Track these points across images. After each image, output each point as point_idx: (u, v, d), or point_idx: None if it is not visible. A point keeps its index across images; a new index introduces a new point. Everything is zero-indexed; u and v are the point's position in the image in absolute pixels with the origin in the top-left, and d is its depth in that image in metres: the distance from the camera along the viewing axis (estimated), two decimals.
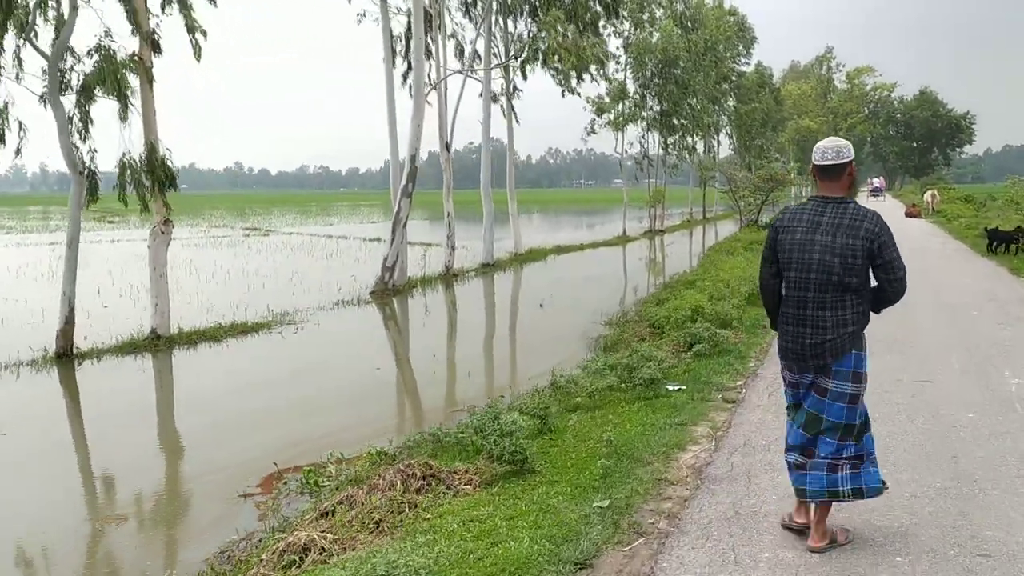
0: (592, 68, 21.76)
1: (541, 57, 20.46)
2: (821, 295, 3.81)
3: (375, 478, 5.62)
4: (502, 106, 25.60)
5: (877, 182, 64.38)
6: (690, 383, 7.68)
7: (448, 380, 10.59)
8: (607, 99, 34.95)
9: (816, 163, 3.90)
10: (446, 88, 21.79)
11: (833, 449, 3.90)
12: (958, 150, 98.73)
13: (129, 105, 12.19)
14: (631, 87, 35.73)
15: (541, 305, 16.42)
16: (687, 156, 42.14)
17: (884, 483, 4.02)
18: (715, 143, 52.64)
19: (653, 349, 8.55)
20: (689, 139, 41.94)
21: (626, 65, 35.46)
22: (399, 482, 5.43)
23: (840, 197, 3.86)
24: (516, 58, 23.26)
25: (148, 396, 10.17)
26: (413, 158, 18.00)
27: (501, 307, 17.97)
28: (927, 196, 40.73)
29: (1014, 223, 23.52)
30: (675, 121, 37.49)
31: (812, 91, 78.88)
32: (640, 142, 37.40)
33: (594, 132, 35.33)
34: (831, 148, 3.87)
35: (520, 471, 5.46)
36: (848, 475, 3.89)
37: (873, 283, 3.92)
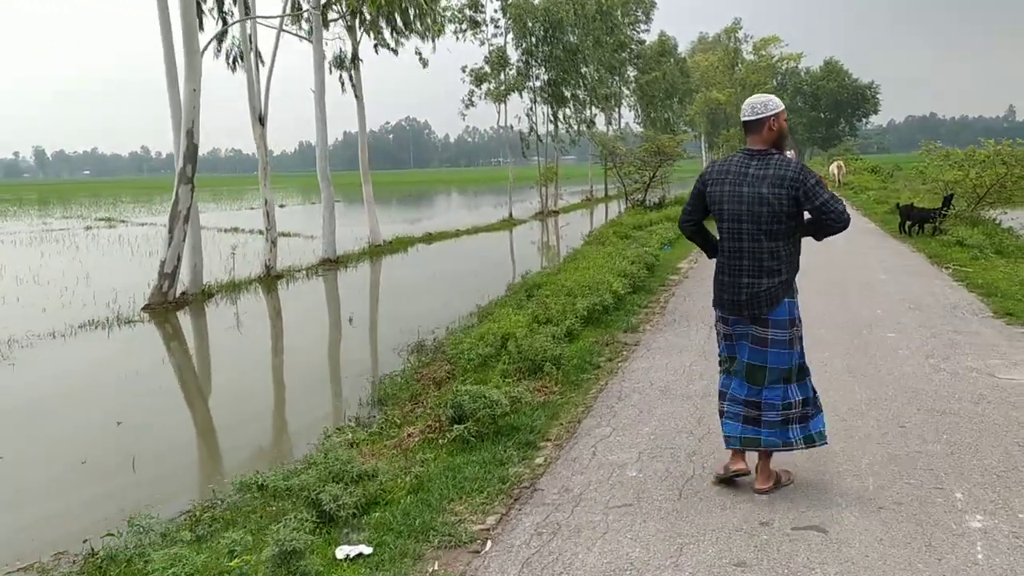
0: (417, 21, 18.00)
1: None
2: (754, 244, 3.87)
3: None
4: (346, 86, 21.70)
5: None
6: (393, 532, 4.14)
7: (118, 473, 6.66)
8: (487, 68, 31.17)
9: (742, 118, 4.04)
10: (255, 47, 17.67)
11: (780, 395, 3.97)
12: (864, 120, 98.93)
13: None
14: (513, 54, 32.01)
15: (350, 320, 12.76)
16: (584, 130, 38.69)
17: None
18: (617, 115, 49.34)
19: (355, 450, 4.94)
20: (587, 112, 38.60)
21: (506, 29, 31.67)
22: None
23: (764, 149, 3.96)
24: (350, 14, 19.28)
25: None
26: (190, 133, 13.90)
27: (309, 322, 13.59)
28: (833, 167, 38.34)
29: (923, 196, 20.99)
30: (565, 92, 33.94)
31: (720, 62, 76.35)
32: (528, 115, 33.75)
33: (472, 104, 31.45)
34: (751, 104, 4.01)
35: None
36: (798, 427, 4.00)
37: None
